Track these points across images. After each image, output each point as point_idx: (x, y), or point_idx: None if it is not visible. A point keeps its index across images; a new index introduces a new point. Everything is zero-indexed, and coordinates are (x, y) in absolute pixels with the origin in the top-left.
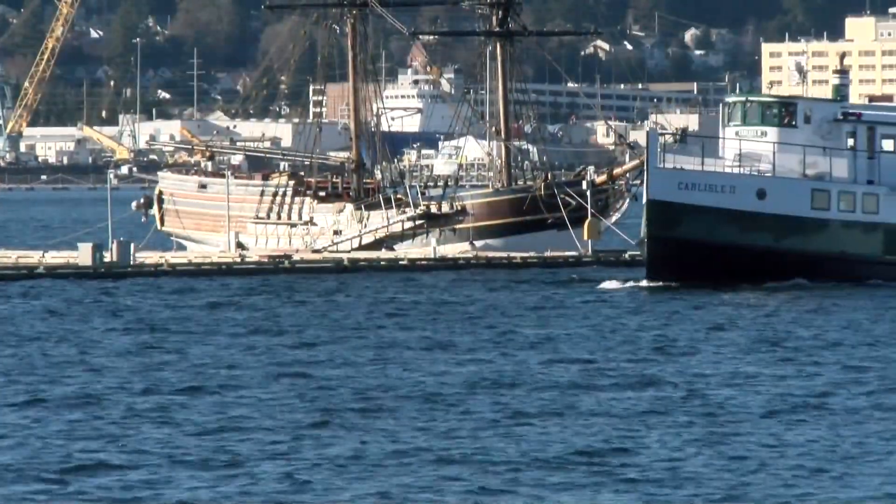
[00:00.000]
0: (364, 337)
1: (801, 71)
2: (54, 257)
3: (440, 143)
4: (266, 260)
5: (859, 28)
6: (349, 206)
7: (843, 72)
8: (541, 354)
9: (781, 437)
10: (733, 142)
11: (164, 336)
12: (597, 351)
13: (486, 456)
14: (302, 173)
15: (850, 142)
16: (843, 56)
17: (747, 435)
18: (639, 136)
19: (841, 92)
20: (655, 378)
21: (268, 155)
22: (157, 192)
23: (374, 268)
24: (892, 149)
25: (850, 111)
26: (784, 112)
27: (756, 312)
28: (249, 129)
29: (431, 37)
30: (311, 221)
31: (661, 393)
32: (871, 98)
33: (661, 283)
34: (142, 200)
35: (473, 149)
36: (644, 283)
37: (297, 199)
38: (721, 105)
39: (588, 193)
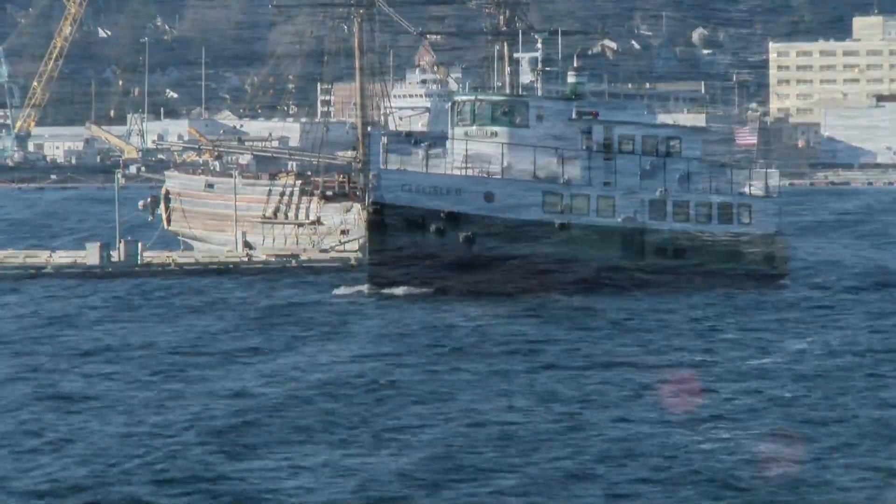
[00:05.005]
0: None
1: (536, 68)
2: (62, 257)
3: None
4: (273, 259)
5: (867, 27)
6: (356, 206)
7: (580, 69)
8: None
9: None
10: (461, 143)
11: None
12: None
13: None
14: (309, 173)
15: (586, 142)
16: (579, 53)
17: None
18: None
19: (577, 90)
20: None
21: (275, 154)
22: (163, 191)
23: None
24: (630, 149)
25: (586, 110)
26: (515, 111)
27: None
28: (257, 128)
29: (439, 36)
30: (318, 221)
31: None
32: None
33: (382, 290)
34: (148, 200)
35: None
36: (366, 288)
37: (304, 198)
38: (450, 104)
39: None
